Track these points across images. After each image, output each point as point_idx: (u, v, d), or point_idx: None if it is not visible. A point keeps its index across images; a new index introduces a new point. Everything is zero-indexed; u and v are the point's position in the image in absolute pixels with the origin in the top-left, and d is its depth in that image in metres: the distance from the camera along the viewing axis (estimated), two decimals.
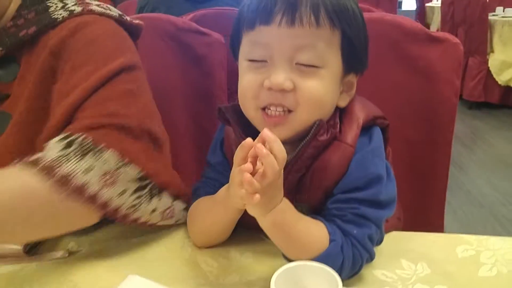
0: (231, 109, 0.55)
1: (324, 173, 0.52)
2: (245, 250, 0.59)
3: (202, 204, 0.59)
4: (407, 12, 5.32)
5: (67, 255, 0.59)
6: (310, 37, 0.48)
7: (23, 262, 0.57)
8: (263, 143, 0.43)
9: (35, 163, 0.50)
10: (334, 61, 0.51)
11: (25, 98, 0.60)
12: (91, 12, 0.63)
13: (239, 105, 0.55)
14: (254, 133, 0.52)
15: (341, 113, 0.54)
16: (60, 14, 0.62)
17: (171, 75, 1.00)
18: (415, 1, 5.18)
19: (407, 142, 0.88)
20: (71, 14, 0.62)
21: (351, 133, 0.52)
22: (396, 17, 0.87)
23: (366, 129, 0.54)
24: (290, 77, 0.49)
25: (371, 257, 0.53)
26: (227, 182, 0.50)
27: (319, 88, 0.50)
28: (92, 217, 0.55)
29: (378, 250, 0.57)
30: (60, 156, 0.51)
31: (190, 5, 1.63)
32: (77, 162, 0.51)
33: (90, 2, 0.66)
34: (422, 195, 0.90)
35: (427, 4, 4.88)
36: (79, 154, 0.51)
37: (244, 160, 0.44)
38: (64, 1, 0.64)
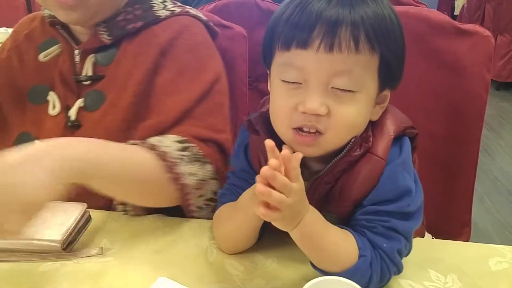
0: (260, 119, 0.55)
1: (354, 185, 0.52)
2: (270, 254, 0.60)
3: (225, 211, 0.60)
4: None
5: (101, 252, 0.61)
6: (348, 63, 0.47)
7: (61, 259, 0.59)
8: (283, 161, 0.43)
9: (153, 148, 0.61)
10: (370, 83, 0.50)
11: (131, 84, 0.69)
12: (187, 13, 0.75)
13: (267, 113, 0.54)
14: (283, 142, 0.52)
15: (373, 125, 0.54)
16: (163, 13, 0.73)
17: None
18: None
19: (432, 137, 0.87)
20: (172, 13, 0.73)
21: (382, 146, 0.52)
22: (422, 10, 0.85)
23: (396, 140, 0.53)
24: (325, 102, 0.48)
25: (398, 270, 0.53)
26: None
27: (353, 113, 0.49)
28: (173, 202, 0.65)
29: (405, 258, 0.55)
30: (178, 157, 0.62)
31: None
32: (188, 165, 0.63)
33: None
34: (448, 191, 0.89)
35: None
36: (192, 160, 0.64)
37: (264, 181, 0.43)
38: (164, 2, 0.76)
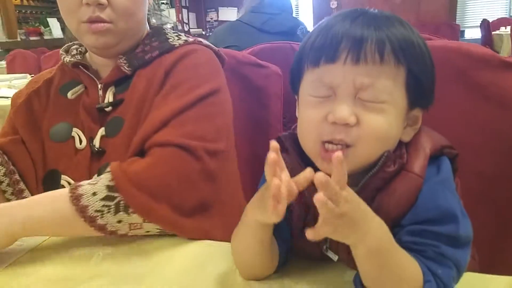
0: (290, 138, 0.55)
1: (391, 203, 0.49)
2: (299, 279, 0.56)
3: (235, 232, 0.56)
4: (471, 41, 5.10)
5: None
6: (374, 74, 0.48)
7: None
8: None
9: (77, 198, 0.62)
10: (398, 96, 0.50)
11: (145, 107, 0.73)
12: (200, 43, 0.80)
13: (296, 134, 0.54)
14: (312, 161, 0.51)
15: (407, 144, 0.52)
16: (177, 42, 0.79)
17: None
18: (479, 29, 4.96)
19: (480, 176, 0.81)
20: (185, 42, 0.79)
21: (419, 163, 0.49)
22: (461, 43, 0.83)
23: (433, 159, 0.51)
24: (353, 111, 0.48)
25: None
26: None
27: (382, 123, 0.48)
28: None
29: None
30: (100, 209, 0.62)
31: (263, 35, 1.74)
32: (112, 216, 0.62)
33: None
34: (499, 234, 0.82)
35: (494, 32, 4.65)
36: (117, 209, 0.62)
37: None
38: (179, 35, 0.82)
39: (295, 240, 0.55)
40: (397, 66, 0.48)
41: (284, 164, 0.42)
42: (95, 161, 0.75)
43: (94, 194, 0.62)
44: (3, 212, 0.62)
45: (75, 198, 0.62)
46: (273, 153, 0.41)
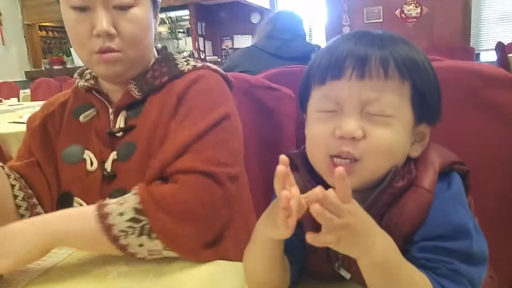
0: (299, 156, 0.55)
1: (401, 219, 0.48)
2: None
3: (246, 249, 0.56)
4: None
5: None
6: (378, 88, 0.49)
7: None
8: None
9: (103, 217, 0.64)
10: (404, 111, 0.50)
11: (158, 132, 0.75)
12: (208, 67, 0.82)
13: (305, 152, 0.54)
14: (322, 179, 0.51)
15: (415, 160, 0.52)
16: (187, 67, 0.81)
17: (244, 127, 1.04)
18: (495, 52, 4.94)
19: (497, 196, 0.80)
20: (194, 67, 0.81)
21: (428, 178, 0.49)
22: (472, 63, 0.83)
23: (444, 175, 0.50)
24: (360, 125, 0.49)
25: None
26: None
27: (389, 137, 0.49)
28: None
29: None
30: (125, 230, 0.63)
31: (277, 60, 1.77)
32: (136, 238, 0.64)
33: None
34: None
35: (510, 55, 4.61)
36: (141, 232, 0.64)
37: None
38: (187, 60, 0.84)
39: (307, 258, 0.55)
40: (402, 81, 0.49)
41: (293, 179, 0.43)
42: (106, 184, 0.76)
43: (121, 214, 0.64)
44: (35, 226, 0.64)
45: (102, 216, 0.63)
46: (282, 166, 0.42)
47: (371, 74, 0.48)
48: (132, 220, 0.63)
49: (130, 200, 0.65)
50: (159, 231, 0.63)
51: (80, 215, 0.66)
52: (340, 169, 0.40)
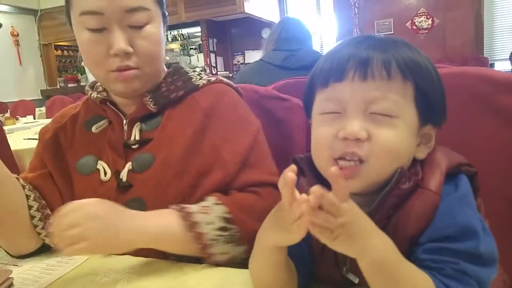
0: (305, 160, 0.55)
1: (408, 221, 0.48)
2: None
3: (251, 257, 0.56)
4: None
5: None
6: (382, 89, 0.49)
7: None
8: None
9: (192, 228, 0.67)
10: (408, 111, 0.50)
11: (178, 144, 0.77)
12: (221, 81, 0.87)
13: (311, 156, 0.54)
14: (328, 183, 0.51)
15: (422, 162, 0.52)
16: (201, 81, 0.85)
17: None
18: (509, 62, 4.88)
19: (507, 200, 0.78)
20: (209, 82, 0.85)
21: (434, 180, 0.49)
22: (482, 69, 0.83)
23: (451, 177, 0.50)
24: (364, 126, 0.48)
25: None
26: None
27: (393, 137, 0.49)
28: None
29: None
30: (215, 238, 0.67)
31: (285, 72, 1.78)
32: (222, 246, 0.67)
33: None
34: None
35: None
36: (228, 240, 0.68)
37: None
38: (200, 74, 0.88)
39: (315, 263, 0.55)
40: (405, 82, 0.49)
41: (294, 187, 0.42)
42: (121, 194, 0.76)
43: (208, 223, 0.67)
44: (125, 224, 0.66)
45: (191, 226, 0.66)
46: (291, 173, 0.41)
47: (374, 75, 0.49)
48: (221, 229, 0.67)
49: (216, 210, 0.68)
50: (252, 238, 0.63)
51: (166, 222, 0.68)
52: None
